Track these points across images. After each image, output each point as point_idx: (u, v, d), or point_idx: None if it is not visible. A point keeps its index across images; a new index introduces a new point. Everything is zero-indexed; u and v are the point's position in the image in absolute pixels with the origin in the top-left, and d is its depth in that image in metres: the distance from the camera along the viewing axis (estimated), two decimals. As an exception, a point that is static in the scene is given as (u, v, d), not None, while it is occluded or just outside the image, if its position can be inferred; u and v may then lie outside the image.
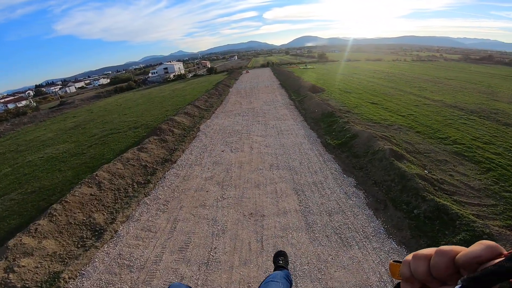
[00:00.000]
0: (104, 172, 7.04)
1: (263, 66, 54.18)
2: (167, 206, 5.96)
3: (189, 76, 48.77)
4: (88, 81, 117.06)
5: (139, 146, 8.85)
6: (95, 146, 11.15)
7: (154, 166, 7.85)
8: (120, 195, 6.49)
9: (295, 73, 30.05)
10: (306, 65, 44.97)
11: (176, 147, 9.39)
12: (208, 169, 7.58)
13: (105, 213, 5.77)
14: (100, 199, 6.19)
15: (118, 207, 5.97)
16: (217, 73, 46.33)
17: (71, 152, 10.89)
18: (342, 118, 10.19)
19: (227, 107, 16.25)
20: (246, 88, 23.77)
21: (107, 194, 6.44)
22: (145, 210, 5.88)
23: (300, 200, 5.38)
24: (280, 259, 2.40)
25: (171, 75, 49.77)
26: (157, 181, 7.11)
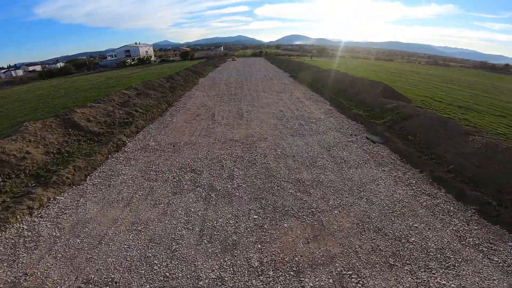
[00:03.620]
0: None
1: (254, 55, 42.89)
2: None
3: (156, 62, 36.60)
4: (47, 64, 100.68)
5: None
6: None
7: None
8: None
9: (308, 63, 19.52)
10: (311, 58, 34.77)
11: None
12: None
13: None
14: None
15: None
16: (193, 59, 34.70)
17: None
18: None
19: (167, 131, 5.34)
20: (231, 79, 12.69)
21: None
22: None
23: None
24: None
25: (130, 60, 37.01)
26: None
